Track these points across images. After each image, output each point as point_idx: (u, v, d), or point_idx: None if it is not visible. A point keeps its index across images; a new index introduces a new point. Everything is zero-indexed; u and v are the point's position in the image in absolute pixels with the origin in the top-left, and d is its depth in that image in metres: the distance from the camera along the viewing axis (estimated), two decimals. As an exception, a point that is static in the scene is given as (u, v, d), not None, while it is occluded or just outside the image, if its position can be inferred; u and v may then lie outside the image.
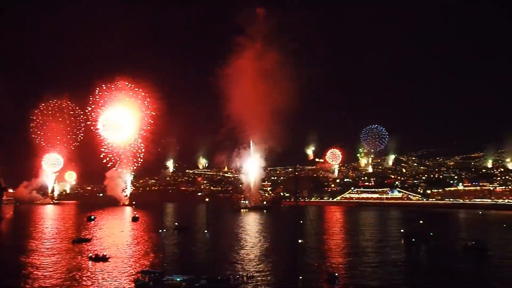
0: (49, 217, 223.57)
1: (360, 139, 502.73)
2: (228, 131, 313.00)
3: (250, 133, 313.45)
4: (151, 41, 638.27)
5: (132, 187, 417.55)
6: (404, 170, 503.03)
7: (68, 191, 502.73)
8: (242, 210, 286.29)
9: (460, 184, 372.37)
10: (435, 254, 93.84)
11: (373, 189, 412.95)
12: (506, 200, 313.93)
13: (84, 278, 67.05)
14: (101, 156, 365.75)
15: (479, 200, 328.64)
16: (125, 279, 66.02)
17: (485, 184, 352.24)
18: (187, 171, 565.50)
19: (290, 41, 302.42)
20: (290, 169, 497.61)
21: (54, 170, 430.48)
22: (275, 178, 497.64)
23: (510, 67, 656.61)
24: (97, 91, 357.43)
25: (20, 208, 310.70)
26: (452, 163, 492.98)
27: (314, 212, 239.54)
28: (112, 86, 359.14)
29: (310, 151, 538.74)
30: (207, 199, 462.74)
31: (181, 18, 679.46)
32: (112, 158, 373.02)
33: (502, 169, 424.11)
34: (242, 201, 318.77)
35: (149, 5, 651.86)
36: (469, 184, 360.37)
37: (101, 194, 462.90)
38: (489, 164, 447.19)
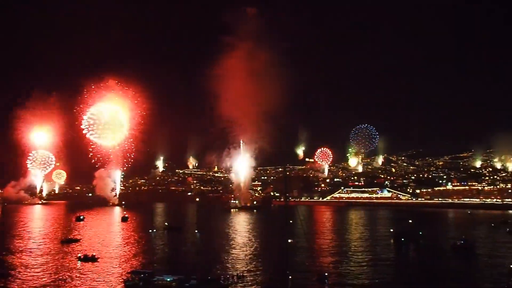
0: (38, 217, 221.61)
1: (350, 138, 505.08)
2: (218, 131, 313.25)
3: (240, 133, 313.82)
4: (141, 41, 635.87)
5: (121, 187, 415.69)
6: (393, 170, 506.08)
7: (56, 191, 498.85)
8: (232, 210, 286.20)
9: (449, 183, 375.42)
10: (424, 253, 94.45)
11: (363, 189, 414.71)
12: (494, 200, 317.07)
13: (73, 278, 66.48)
14: (90, 155, 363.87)
15: (468, 199, 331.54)
16: (114, 279, 65.58)
17: (473, 183, 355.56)
18: (177, 171, 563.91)
19: (281, 40, 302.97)
20: (280, 169, 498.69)
21: (45, 169, 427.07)
22: (265, 178, 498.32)
23: (498, 67, 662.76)
24: (86, 90, 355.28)
25: (7, 208, 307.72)
26: (441, 163, 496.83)
27: (304, 212, 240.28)
28: (102, 85, 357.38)
29: (300, 151, 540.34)
30: (197, 199, 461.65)
31: (170, 18, 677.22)
32: (101, 158, 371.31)
33: (490, 169, 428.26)
34: (232, 201, 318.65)
35: (139, 4, 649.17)
36: (458, 184, 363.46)
37: (90, 194, 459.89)
38: (478, 164, 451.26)
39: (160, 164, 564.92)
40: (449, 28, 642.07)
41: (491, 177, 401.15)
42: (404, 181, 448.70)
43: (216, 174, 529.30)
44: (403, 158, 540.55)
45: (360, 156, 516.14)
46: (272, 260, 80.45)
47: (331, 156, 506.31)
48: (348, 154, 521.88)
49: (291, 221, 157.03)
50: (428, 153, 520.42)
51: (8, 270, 71.76)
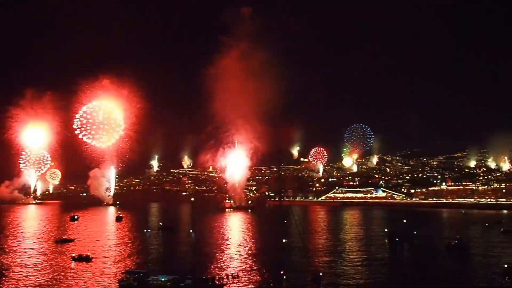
0: (32, 217, 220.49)
1: (345, 138, 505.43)
2: (212, 131, 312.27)
3: (235, 132, 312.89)
4: (136, 40, 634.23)
5: (116, 186, 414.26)
6: (388, 170, 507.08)
7: (51, 191, 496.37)
8: (226, 210, 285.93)
9: (444, 183, 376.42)
10: (419, 253, 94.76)
11: (357, 189, 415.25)
12: (489, 200, 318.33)
13: (67, 278, 66.22)
14: (84, 155, 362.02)
15: (462, 199, 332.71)
16: (108, 279, 65.37)
17: (468, 183, 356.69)
18: (171, 170, 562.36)
19: (276, 40, 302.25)
20: (275, 169, 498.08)
21: (40, 169, 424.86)
22: (260, 177, 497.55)
23: (493, 68, 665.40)
24: (81, 89, 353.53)
25: (1, 208, 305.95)
26: (435, 163, 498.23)
27: (298, 212, 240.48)
28: (96, 85, 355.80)
29: (295, 150, 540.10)
30: (192, 199, 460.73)
31: (167, 17, 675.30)
32: (96, 158, 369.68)
33: (484, 169, 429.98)
34: (226, 201, 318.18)
35: (134, 4, 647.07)
36: (452, 184, 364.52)
37: (84, 194, 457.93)
38: (472, 164, 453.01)
39: (154, 163, 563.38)
40: (448, 28, 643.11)
41: (485, 177, 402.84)
42: (399, 181, 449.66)
43: (211, 174, 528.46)
44: (397, 158, 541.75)
45: (355, 156, 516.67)
46: (267, 260, 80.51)
47: (326, 156, 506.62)
48: (343, 154, 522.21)
49: (285, 221, 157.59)
50: (422, 153, 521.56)
51: (2, 270, 71.39)
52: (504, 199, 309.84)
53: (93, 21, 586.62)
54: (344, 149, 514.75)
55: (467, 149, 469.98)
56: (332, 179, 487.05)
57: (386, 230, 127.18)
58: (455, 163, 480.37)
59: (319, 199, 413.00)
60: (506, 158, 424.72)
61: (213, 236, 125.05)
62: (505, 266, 71.34)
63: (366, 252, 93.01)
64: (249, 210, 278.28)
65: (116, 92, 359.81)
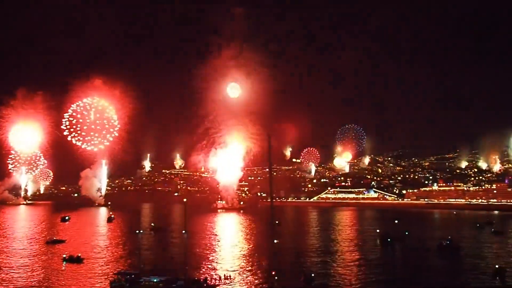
0: (22, 217, 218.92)
1: (337, 139, 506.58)
2: (204, 131, 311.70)
3: (227, 133, 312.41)
4: (127, 40, 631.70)
5: (107, 187, 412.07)
6: (380, 171, 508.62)
7: (42, 191, 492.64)
8: (219, 211, 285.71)
9: (435, 184, 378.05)
10: (410, 253, 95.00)
11: (349, 190, 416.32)
12: (480, 200, 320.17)
13: (58, 280, 65.68)
14: (76, 155, 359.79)
15: (453, 200, 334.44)
16: (100, 280, 64.92)
17: (459, 184, 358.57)
18: (163, 171, 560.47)
19: (267, 41, 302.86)
20: (267, 169, 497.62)
21: (33, 169, 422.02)
22: (252, 178, 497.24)
23: (484, 68, 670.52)
24: (72, 89, 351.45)
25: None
26: (427, 164, 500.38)
27: (290, 212, 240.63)
28: (88, 85, 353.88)
29: (287, 151, 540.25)
30: (185, 199, 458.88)
31: (157, 17, 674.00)
32: (87, 158, 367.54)
33: (475, 170, 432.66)
34: (219, 202, 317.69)
35: (126, 3, 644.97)
36: (444, 185, 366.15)
37: (75, 195, 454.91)
38: (463, 164, 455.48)
39: (146, 164, 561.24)
40: (435, 29, 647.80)
41: (476, 178, 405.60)
42: (391, 181, 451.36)
43: (203, 175, 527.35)
44: (389, 158, 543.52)
45: (347, 157, 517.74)
46: (258, 261, 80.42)
47: (318, 157, 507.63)
48: (335, 155, 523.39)
49: (277, 222, 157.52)
50: (414, 154, 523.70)
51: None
52: (495, 200, 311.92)
53: (85, 21, 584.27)
54: (336, 150, 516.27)
55: (458, 150, 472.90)
56: (324, 180, 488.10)
57: (378, 230, 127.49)
58: (447, 164, 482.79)
59: (311, 200, 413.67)
60: (497, 159, 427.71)
61: (205, 236, 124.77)
62: (496, 266, 71.74)
63: (358, 253, 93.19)
64: (241, 211, 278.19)
65: (108, 92, 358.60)
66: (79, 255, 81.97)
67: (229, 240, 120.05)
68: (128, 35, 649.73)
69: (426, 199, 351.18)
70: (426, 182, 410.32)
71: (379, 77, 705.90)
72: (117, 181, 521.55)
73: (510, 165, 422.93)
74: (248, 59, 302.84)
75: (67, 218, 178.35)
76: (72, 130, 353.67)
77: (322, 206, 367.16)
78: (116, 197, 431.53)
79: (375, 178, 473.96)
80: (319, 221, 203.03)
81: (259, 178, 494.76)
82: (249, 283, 63.92)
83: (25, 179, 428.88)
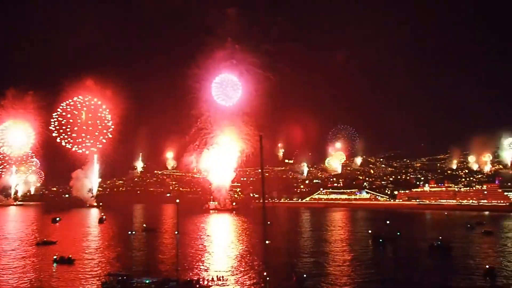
0: (12, 219, 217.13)
1: (329, 140, 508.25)
2: (197, 132, 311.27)
3: (220, 133, 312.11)
4: (119, 40, 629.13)
5: (99, 188, 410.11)
6: (372, 171, 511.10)
7: (32, 192, 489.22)
8: (211, 211, 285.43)
9: (427, 185, 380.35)
10: (402, 254, 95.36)
11: (341, 190, 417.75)
12: (470, 201, 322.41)
13: (48, 281, 65.16)
14: (66, 155, 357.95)
15: (445, 200, 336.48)
16: (91, 282, 64.48)
17: (450, 185, 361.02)
18: (155, 171, 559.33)
19: (261, 41, 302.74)
20: (259, 170, 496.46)
21: (28, 170, 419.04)
22: (245, 179, 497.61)
23: (475, 70, 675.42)
24: (63, 89, 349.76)
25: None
26: (418, 165, 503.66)
27: (283, 213, 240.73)
28: (80, 85, 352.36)
29: (280, 152, 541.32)
30: (177, 200, 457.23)
31: (150, 17, 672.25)
32: (78, 158, 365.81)
33: (466, 171, 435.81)
34: (211, 202, 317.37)
35: (118, 3, 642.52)
36: (435, 185, 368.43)
37: (66, 195, 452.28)
38: (454, 165, 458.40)
39: (138, 165, 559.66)
40: (427, 30, 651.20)
41: (467, 179, 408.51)
42: (383, 182, 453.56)
43: (195, 176, 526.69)
44: (381, 159, 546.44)
45: (339, 158, 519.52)
46: (251, 261, 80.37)
47: (310, 158, 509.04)
48: (328, 156, 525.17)
49: (269, 223, 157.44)
50: (406, 155, 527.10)
51: (-19, 273, 70.04)
52: (485, 201, 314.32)
53: (77, 21, 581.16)
54: (329, 151, 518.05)
55: (449, 151, 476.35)
56: (317, 181, 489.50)
57: (370, 231, 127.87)
58: (438, 165, 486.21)
59: (304, 201, 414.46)
60: (487, 160, 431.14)
61: (197, 237, 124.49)
62: (487, 266, 72.30)
63: (350, 253, 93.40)
64: (234, 212, 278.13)
65: (99, 92, 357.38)
66: (70, 256, 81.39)
67: (221, 240, 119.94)
68: (120, 35, 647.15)
69: (417, 200, 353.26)
70: (418, 183, 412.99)
71: (372, 79, 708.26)
72: (108, 181, 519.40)
73: (500, 166, 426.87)
74: (242, 58, 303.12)
75: (57, 219, 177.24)
76: (61, 131, 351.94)
77: (314, 207, 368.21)
78: (108, 198, 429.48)
79: (367, 179, 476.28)
80: (311, 221, 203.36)
81: (251, 179, 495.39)
82: (241, 284, 63.83)
83: (16, 180, 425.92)
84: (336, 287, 63.09)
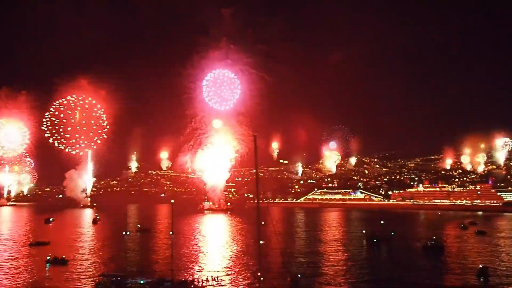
0: (5, 219, 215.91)
1: (324, 140, 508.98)
2: (191, 132, 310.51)
3: (214, 134, 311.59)
4: (114, 40, 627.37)
5: (92, 188, 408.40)
6: (366, 172, 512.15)
7: (25, 192, 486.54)
8: (205, 212, 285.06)
9: (420, 185, 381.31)
10: (396, 253, 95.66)
11: (336, 191, 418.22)
12: (464, 201, 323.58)
13: (42, 282, 64.81)
14: (60, 156, 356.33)
15: (439, 200, 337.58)
16: (85, 282, 64.19)
17: (444, 185, 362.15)
18: (149, 172, 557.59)
19: (256, 42, 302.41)
20: (254, 170, 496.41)
21: (23, 169, 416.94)
22: (239, 179, 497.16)
23: (469, 70, 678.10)
24: (57, 89, 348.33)
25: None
26: (412, 165, 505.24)
27: (277, 213, 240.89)
28: (73, 85, 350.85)
29: (274, 152, 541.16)
30: (172, 200, 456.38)
31: (145, 17, 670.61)
32: (72, 158, 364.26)
33: (460, 171, 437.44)
34: (205, 203, 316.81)
35: (112, 4, 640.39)
36: (429, 185, 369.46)
37: (60, 196, 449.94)
38: (448, 165, 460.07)
39: (132, 165, 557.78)
40: (420, 31, 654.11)
41: (461, 179, 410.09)
42: (377, 182, 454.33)
43: (190, 176, 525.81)
44: (375, 160, 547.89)
45: (334, 158, 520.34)
46: (245, 262, 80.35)
47: (305, 158, 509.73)
48: (322, 156, 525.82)
49: (263, 223, 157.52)
50: (400, 155, 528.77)
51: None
52: (478, 201, 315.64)
53: (70, 21, 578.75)
54: (323, 151, 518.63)
55: (443, 151, 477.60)
56: (311, 181, 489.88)
57: (364, 231, 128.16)
58: (432, 165, 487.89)
59: (298, 201, 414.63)
60: (481, 160, 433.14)
61: (192, 238, 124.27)
62: (480, 266, 72.67)
63: (344, 253, 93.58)
64: (228, 212, 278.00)
65: (93, 92, 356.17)
66: (64, 257, 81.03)
67: (216, 241, 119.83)
68: (114, 34, 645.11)
69: (411, 200, 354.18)
70: (412, 183, 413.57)
71: (366, 79, 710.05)
72: (102, 182, 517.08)
73: (493, 166, 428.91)
74: (235, 60, 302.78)
75: (51, 219, 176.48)
76: (54, 131, 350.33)
77: (309, 207, 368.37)
78: (102, 198, 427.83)
79: (361, 179, 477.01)
80: (306, 222, 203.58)
81: (246, 179, 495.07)
82: (236, 284, 63.77)
83: (9, 180, 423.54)
84: (331, 287, 63.16)
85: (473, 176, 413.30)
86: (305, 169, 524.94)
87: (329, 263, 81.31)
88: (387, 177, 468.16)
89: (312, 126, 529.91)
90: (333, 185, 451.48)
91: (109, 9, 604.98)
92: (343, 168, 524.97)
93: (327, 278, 67.96)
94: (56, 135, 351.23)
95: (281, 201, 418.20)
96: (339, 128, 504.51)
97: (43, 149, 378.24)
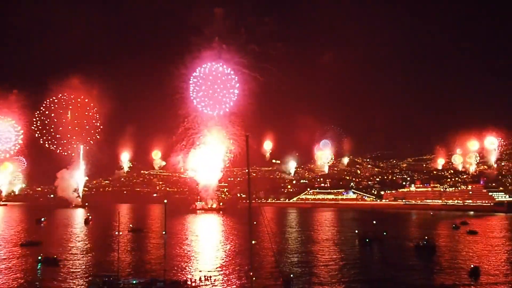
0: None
1: (316, 140, 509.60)
2: (184, 132, 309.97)
3: (207, 133, 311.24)
4: (106, 40, 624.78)
5: (84, 188, 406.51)
6: (358, 172, 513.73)
7: (16, 192, 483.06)
8: (198, 211, 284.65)
9: (413, 185, 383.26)
10: (389, 253, 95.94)
11: (328, 191, 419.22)
12: (456, 201, 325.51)
13: (33, 283, 64.33)
14: (52, 155, 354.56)
15: (430, 200, 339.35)
16: (77, 283, 63.79)
17: (436, 185, 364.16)
18: (142, 171, 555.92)
19: (248, 41, 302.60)
20: (247, 170, 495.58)
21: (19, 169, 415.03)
22: (232, 179, 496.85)
23: (462, 71, 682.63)
24: (48, 89, 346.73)
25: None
26: (404, 165, 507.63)
27: (270, 213, 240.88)
28: (65, 84, 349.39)
29: (267, 152, 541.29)
30: (165, 200, 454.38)
31: (137, 16, 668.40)
32: (63, 158, 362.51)
33: (452, 171, 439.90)
34: (198, 203, 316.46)
35: (105, 4, 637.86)
36: (421, 186, 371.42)
37: (51, 196, 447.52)
38: (440, 166, 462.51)
39: (125, 165, 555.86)
40: (413, 31, 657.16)
41: (453, 179, 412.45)
42: (369, 182, 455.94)
43: (182, 175, 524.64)
44: (368, 160, 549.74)
45: (326, 158, 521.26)
46: (237, 262, 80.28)
47: (298, 158, 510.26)
48: (315, 156, 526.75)
49: (255, 222, 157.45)
50: (392, 155, 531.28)
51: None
52: (470, 201, 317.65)
53: (62, 19, 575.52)
54: (316, 151, 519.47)
55: (435, 152, 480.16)
56: (304, 181, 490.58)
57: (356, 231, 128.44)
58: (424, 165, 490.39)
59: (291, 201, 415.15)
60: (472, 160, 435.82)
61: (184, 238, 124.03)
62: (472, 266, 73.13)
63: (337, 253, 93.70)
64: (221, 212, 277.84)
65: (85, 92, 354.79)
66: (55, 257, 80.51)
67: (208, 241, 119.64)
68: (107, 34, 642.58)
69: (403, 200, 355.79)
70: (404, 183, 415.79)
71: (359, 80, 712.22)
72: (94, 181, 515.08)
73: (485, 166, 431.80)
74: (228, 59, 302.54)
75: (42, 219, 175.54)
76: (44, 131, 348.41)
77: (301, 207, 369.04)
78: (94, 198, 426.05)
79: (354, 179, 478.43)
80: (298, 221, 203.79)
81: (238, 179, 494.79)
82: (228, 284, 63.66)
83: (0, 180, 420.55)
84: (323, 287, 63.20)
85: (464, 176, 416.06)
86: (298, 169, 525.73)
87: (321, 263, 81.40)
88: (380, 177, 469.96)
89: (304, 126, 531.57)
90: (326, 185, 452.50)
91: (101, 9, 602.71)
92: (335, 168, 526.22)
93: (319, 278, 68.04)
94: (46, 135, 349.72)
95: (273, 201, 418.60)
96: (332, 128, 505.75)
97: (35, 149, 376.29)
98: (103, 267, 76.20)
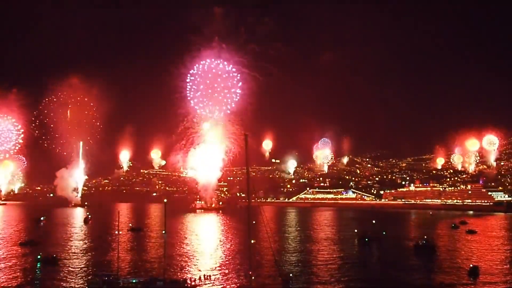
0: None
1: (316, 140, 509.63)
2: (183, 131, 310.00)
3: (206, 133, 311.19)
4: (106, 39, 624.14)
5: (84, 187, 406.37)
6: (358, 171, 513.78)
7: (16, 191, 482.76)
8: (197, 211, 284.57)
9: (412, 185, 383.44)
10: (388, 253, 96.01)
11: (328, 190, 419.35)
12: (455, 201, 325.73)
13: (32, 282, 64.34)
14: (51, 154, 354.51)
15: (430, 200, 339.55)
16: (77, 282, 63.79)
17: (435, 185, 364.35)
18: (141, 171, 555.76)
19: (248, 41, 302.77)
20: (246, 169, 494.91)
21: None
22: (231, 178, 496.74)
23: (461, 70, 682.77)
24: (49, 87, 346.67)
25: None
26: (404, 165, 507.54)
27: (269, 213, 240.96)
28: (65, 83, 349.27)
29: (266, 151, 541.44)
30: (165, 200, 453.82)
31: (137, 15, 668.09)
32: (63, 157, 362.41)
33: (451, 171, 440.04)
34: (197, 202, 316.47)
35: (105, 3, 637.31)
36: (420, 185, 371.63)
37: (51, 195, 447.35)
38: (439, 165, 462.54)
39: (124, 164, 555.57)
40: (415, 30, 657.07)
41: (452, 179, 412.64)
42: (368, 182, 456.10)
43: (182, 175, 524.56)
44: (367, 159, 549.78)
45: (326, 158, 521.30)
46: (237, 261, 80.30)
47: (297, 157, 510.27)
48: (314, 155, 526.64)
49: (254, 222, 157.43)
50: (391, 155, 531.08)
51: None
52: (469, 200, 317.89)
53: (62, 19, 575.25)
54: (315, 151, 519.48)
55: (434, 151, 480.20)
56: (303, 180, 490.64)
57: (356, 230, 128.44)
58: (423, 165, 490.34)
59: (290, 200, 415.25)
60: (471, 160, 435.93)
61: (184, 237, 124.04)
62: (471, 265, 73.19)
63: (336, 253, 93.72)
64: (220, 211, 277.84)
65: (85, 91, 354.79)
66: (55, 256, 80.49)
67: (208, 240, 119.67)
68: (106, 33, 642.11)
69: (403, 200, 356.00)
70: (403, 182, 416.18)
71: (359, 79, 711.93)
72: (94, 181, 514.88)
73: (484, 166, 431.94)
74: (227, 59, 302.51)
75: (42, 218, 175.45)
76: (43, 130, 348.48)
77: (300, 206, 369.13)
78: (93, 197, 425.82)
79: (353, 178, 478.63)
80: (298, 221, 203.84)
81: (238, 178, 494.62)
82: (227, 283, 63.67)
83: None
84: (322, 286, 63.23)
85: (464, 176, 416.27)
86: (297, 168, 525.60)
87: (320, 262, 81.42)
88: (379, 176, 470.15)
89: (304, 125, 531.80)
90: (325, 185, 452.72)
91: (101, 8, 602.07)
92: (335, 168, 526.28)
93: (318, 277, 68.08)
94: (46, 134, 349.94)
95: (273, 200, 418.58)
96: (331, 127, 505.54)
97: (34, 148, 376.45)
98: (102, 266, 76.23)
